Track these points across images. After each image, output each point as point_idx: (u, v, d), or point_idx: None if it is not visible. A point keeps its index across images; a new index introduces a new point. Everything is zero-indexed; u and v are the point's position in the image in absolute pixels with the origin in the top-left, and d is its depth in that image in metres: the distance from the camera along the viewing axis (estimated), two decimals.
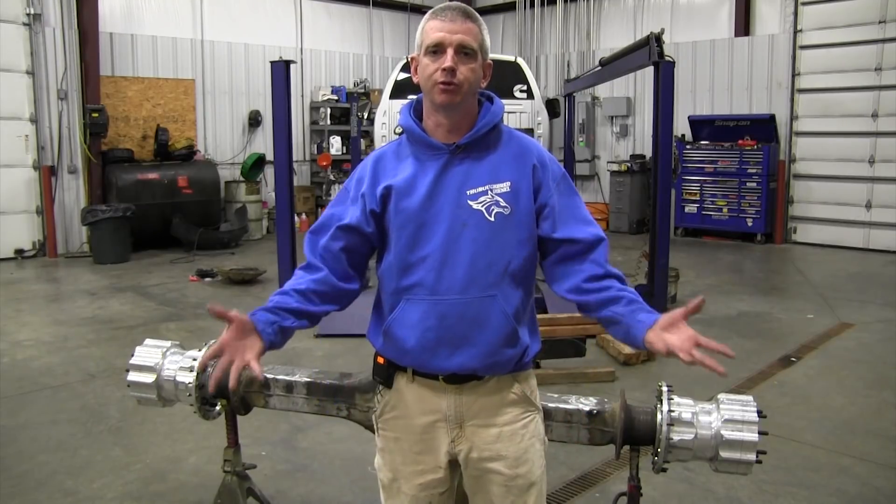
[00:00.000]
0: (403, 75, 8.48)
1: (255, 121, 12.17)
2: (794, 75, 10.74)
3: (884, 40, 9.84)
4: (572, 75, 12.06)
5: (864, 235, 10.31)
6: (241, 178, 11.65)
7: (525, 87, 8.67)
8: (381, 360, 1.88)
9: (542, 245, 1.85)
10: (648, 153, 10.37)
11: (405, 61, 8.94)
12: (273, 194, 8.44)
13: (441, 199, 1.76)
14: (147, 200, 9.99)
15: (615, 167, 12.36)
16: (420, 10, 13.39)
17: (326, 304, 1.85)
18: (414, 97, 1.90)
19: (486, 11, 14.02)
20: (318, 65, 13.10)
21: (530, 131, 8.46)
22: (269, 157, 10.36)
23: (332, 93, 12.99)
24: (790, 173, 10.95)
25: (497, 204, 1.77)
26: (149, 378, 2.59)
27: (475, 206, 1.76)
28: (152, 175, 10.27)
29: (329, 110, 12.92)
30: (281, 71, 6.44)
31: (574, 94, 11.00)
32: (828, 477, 3.63)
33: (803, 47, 10.62)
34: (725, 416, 2.09)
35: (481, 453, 1.82)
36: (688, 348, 1.63)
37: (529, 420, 1.88)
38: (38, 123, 9.73)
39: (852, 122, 10.23)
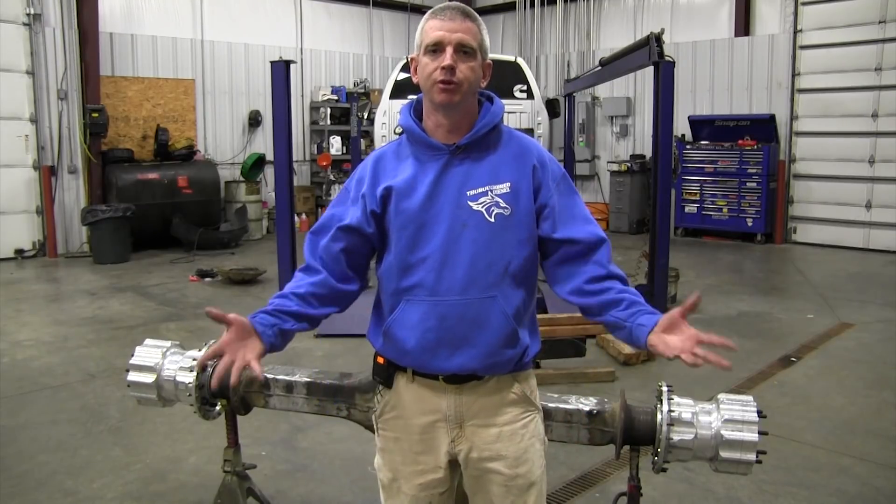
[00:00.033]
0: (403, 75, 8.49)
1: (255, 121, 12.17)
2: (794, 75, 10.74)
3: (884, 40, 9.84)
4: (572, 75, 12.06)
5: (864, 235, 10.31)
6: (241, 178, 11.65)
7: (525, 87, 8.68)
8: (380, 360, 1.88)
9: (543, 246, 1.84)
10: (648, 153, 10.37)
11: (405, 61, 8.94)
12: (273, 194, 8.43)
13: (441, 200, 1.76)
14: (147, 200, 9.99)
15: (615, 167, 12.36)
16: (420, 10, 13.39)
17: (326, 307, 1.85)
18: (414, 97, 1.90)
19: (486, 11, 14.02)
20: (318, 65, 13.10)
21: (530, 131, 8.47)
22: (269, 157, 10.37)
23: (332, 93, 12.98)
24: (790, 173, 10.95)
25: (497, 205, 1.76)
26: (149, 378, 2.59)
27: (475, 207, 1.76)
28: (152, 175, 10.27)
29: (329, 110, 12.92)
30: (281, 71, 6.44)
31: (574, 94, 10.98)
32: (828, 477, 3.63)
33: (803, 47, 10.62)
34: (725, 416, 2.09)
35: (481, 453, 1.82)
36: (690, 348, 1.63)
37: (529, 420, 1.87)
38: (38, 123, 9.72)
39: (852, 122, 10.23)
